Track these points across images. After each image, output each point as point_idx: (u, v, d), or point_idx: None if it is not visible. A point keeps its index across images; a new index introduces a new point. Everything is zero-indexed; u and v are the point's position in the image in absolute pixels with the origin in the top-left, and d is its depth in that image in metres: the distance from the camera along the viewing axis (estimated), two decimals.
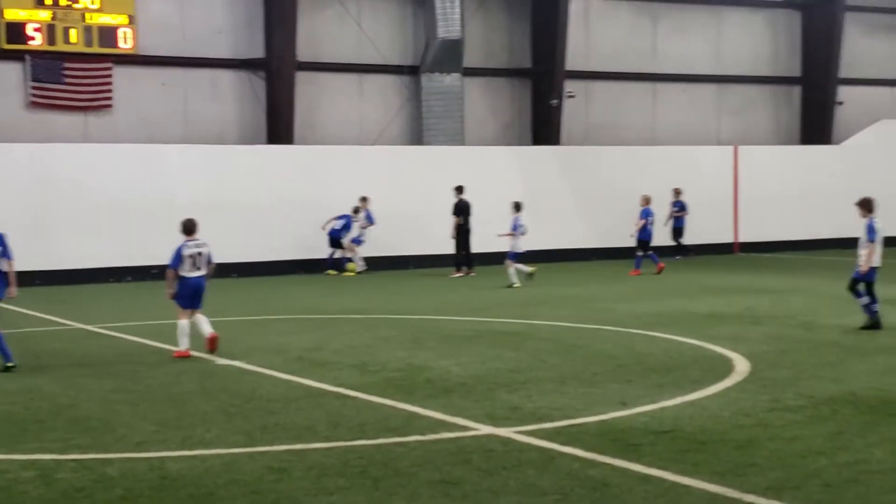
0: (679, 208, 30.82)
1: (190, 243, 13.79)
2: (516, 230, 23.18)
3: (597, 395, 10.65)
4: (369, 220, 27.40)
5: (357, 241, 27.37)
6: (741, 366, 12.20)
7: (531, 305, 19.00)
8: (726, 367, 12.13)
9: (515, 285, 22.38)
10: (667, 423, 9.31)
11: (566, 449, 8.49)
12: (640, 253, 25.82)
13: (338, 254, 27.19)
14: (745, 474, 7.71)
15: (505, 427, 9.31)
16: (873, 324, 14.93)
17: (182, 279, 13.74)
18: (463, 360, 13.04)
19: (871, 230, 14.90)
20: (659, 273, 25.03)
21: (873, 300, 15.04)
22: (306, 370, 12.49)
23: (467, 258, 26.19)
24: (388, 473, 7.91)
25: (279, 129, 29.00)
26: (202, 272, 13.86)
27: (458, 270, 25.96)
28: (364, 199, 27.34)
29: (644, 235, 25.94)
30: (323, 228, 27.10)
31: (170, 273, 13.85)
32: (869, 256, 14.89)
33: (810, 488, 7.38)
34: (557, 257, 30.10)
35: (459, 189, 26.17)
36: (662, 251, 30.05)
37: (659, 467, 7.90)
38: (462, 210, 26.08)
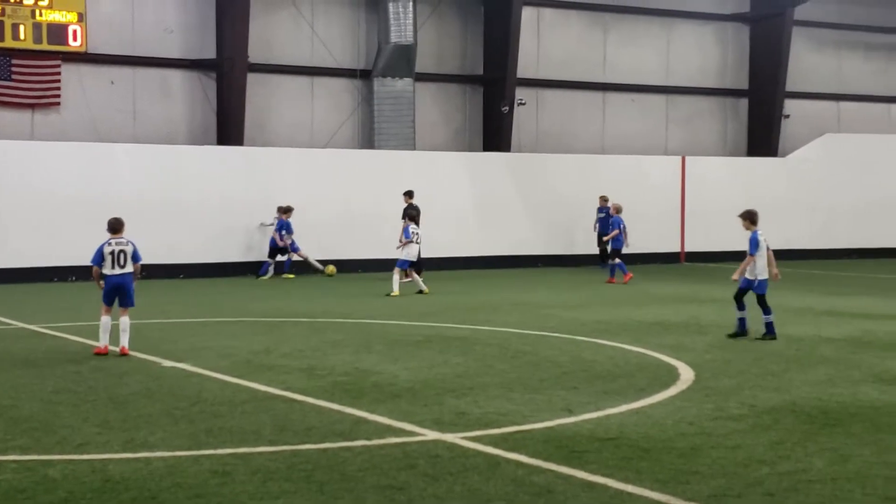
0: (606, 215, 30.86)
1: (112, 241, 13.92)
2: (408, 237, 22.67)
3: (543, 402, 10.71)
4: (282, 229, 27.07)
5: (295, 249, 27.24)
6: (686, 374, 12.32)
7: (479, 311, 19.06)
8: (671, 376, 12.25)
9: (394, 293, 21.95)
10: (612, 431, 9.38)
11: (511, 455, 8.53)
12: (615, 261, 25.89)
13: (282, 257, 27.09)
14: (687, 482, 7.80)
15: (451, 433, 9.34)
16: (743, 333, 15.19)
17: (105, 277, 13.85)
18: (411, 364, 13.05)
19: (753, 243, 15.13)
20: (626, 283, 25.13)
21: (741, 308, 15.28)
22: (253, 373, 12.44)
23: (416, 263, 26.17)
24: (334, 478, 7.90)
25: (229, 130, 28.86)
26: (126, 270, 13.90)
27: (408, 275, 25.94)
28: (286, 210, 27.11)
29: (617, 244, 26.05)
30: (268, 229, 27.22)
31: (95, 270, 13.98)
32: (744, 268, 15.14)
33: (751, 497, 7.48)
34: (506, 263, 30.25)
35: (409, 194, 26.14)
36: (592, 260, 30.37)
37: (603, 474, 7.96)
38: (413, 215, 26.03)
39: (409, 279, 25.12)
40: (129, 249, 13.95)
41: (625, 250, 26.10)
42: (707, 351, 14.18)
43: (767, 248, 15.37)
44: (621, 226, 26.04)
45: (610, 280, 25.69)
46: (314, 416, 10.09)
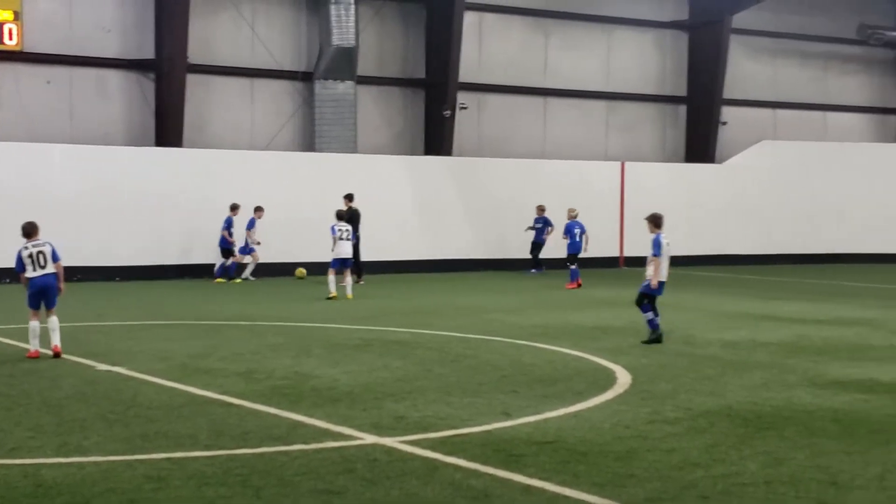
0: (543, 224, 31.01)
1: (29, 244, 13.84)
2: (333, 234, 22.39)
3: (482, 406, 10.73)
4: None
5: (245, 251, 27.14)
6: (623, 378, 12.41)
7: (420, 315, 19.05)
8: (609, 380, 12.33)
9: (332, 294, 21.84)
10: (549, 434, 9.42)
11: (450, 459, 8.53)
12: (573, 266, 25.94)
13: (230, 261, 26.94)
14: (624, 485, 7.85)
15: (390, 437, 9.32)
16: (655, 338, 15.28)
17: (28, 280, 13.80)
18: (350, 368, 13.01)
19: (656, 245, 15.30)
20: (572, 288, 25.19)
21: (656, 314, 15.39)
22: (190, 377, 12.32)
23: (356, 266, 26.13)
24: (271, 482, 7.85)
25: (168, 131, 28.58)
26: (48, 270, 13.81)
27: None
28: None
29: (573, 249, 26.09)
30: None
31: (22, 277, 13.92)
32: (656, 271, 15.23)
33: (686, 500, 7.54)
34: (447, 267, 30.28)
35: (349, 197, 26.10)
36: (524, 265, 30.52)
37: (540, 478, 7.99)
38: (351, 219, 26.00)
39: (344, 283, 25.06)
40: (46, 250, 13.87)
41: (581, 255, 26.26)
42: (644, 355, 14.29)
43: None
44: (574, 230, 26.13)
45: (571, 285, 25.64)
46: (252, 420, 10.02)
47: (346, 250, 22.45)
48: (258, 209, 27.00)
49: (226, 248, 26.77)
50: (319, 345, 15.08)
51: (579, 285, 25.56)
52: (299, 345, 15.06)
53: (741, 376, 12.65)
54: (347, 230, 22.54)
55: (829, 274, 30.96)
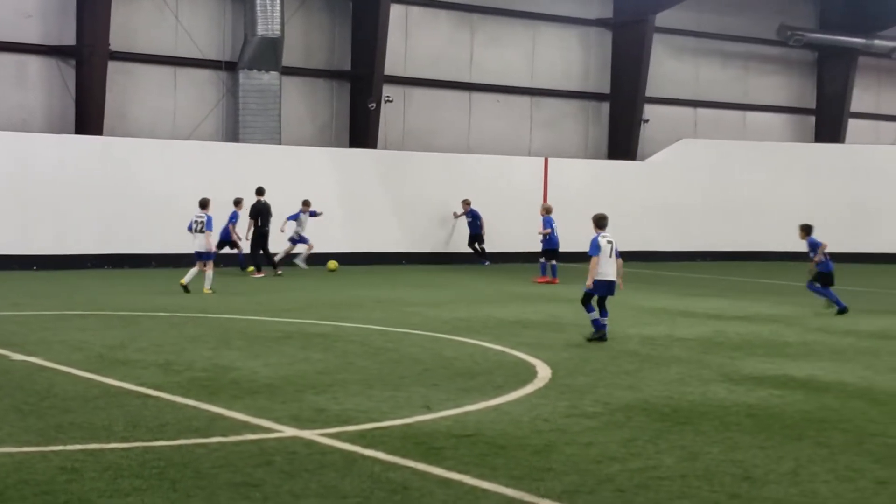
0: (473, 217, 31.21)
1: None
2: (190, 228, 21.60)
3: (402, 399, 10.74)
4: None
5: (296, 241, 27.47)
6: (543, 372, 12.51)
7: (342, 308, 19.01)
8: (529, 373, 12.41)
9: (182, 283, 20.97)
10: (469, 428, 9.47)
11: (369, 452, 8.53)
12: (551, 262, 25.86)
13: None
14: (541, 479, 7.91)
15: (309, 429, 9.29)
16: (598, 337, 15.25)
17: None
18: (271, 360, 12.94)
19: (591, 245, 15.39)
20: (540, 283, 25.23)
21: (603, 313, 15.41)
22: (107, 368, 12.16)
23: (267, 259, 26.06)
24: (187, 475, 7.78)
25: (88, 119, 28.14)
26: None
27: (259, 271, 25.79)
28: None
29: (550, 244, 26.07)
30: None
31: None
32: (591, 271, 15.25)
33: (603, 493, 7.63)
34: (371, 260, 30.24)
35: (260, 191, 26.07)
36: (458, 258, 30.69)
37: (459, 471, 8.02)
38: (260, 212, 25.96)
39: (261, 275, 24.95)
40: None
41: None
42: (564, 349, 14.42)
43: (613, 253, 15.51)
44: (553, 225, 26.14)
45: (543, 279, 25.59)
46: (169, 412, 9.92)
47: (200, 243, 21.30)
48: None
49: (225, 239, 25.82)
50: (240, 337, 14.97)
51: (553, 282, 25.44)
52: (219, 336, 14.94)
53: (659, 371, 12.83)
54: (201, 222, 21.26)
55: (746, 271, 31.49)
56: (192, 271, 21.24)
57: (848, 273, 31.82)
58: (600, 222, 15.62)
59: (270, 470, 7.96)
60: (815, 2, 41.87)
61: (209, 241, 21.56)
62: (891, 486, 7.98)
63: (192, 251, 21.56)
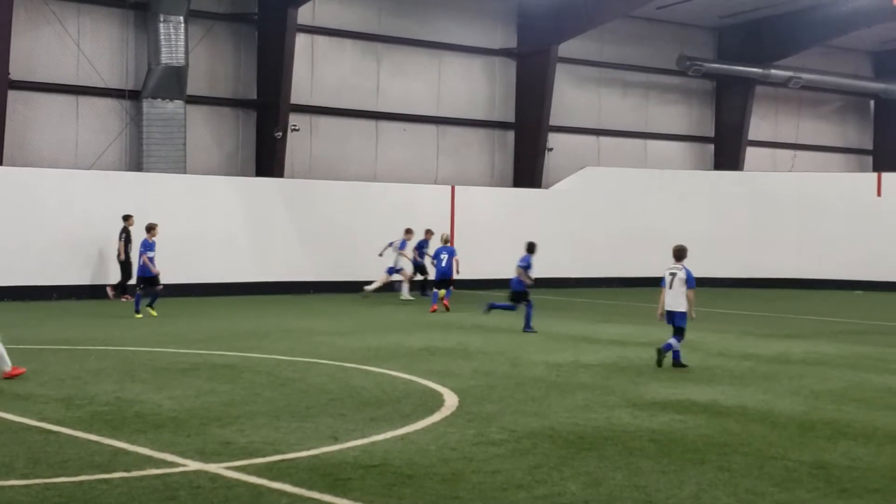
0: (449, 255, 31.20)
1: None
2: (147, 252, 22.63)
3: (309, 430, 10.71)
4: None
5: (391, 271, 28.50)
6: (450, 400, 12.57)
7: (249, 338, 18.87)
8: (437, 402, 12.47)
9: (139, 315, 22.34)
10: (376, 458, 9.48)
11: (275, 484, 8.49)
12: (438, 290, 25.92)
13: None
14: None
15: (215, 462, 9.22)
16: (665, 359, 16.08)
17: None
18: (176, 393, 12.80)
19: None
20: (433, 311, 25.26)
21: (673, 339, 16.18)
22: (6, 403, 11.90)
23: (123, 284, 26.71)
24: None
25: None
26: None
27: (122, 295, 26.27)
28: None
29: (440, 274, 26.25)
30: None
31: None
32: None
33: None
34: (278, 289, 30.07)
35: (125, 218, 26.78)
36: (356, 287, 30.66)
37: (366, 502, 8.03)
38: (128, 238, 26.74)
39: (124, 299, 24.97)
40: None
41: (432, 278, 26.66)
42: (472, 377, 14.51)
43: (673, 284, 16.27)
44: (441, 255, 26.44)
45: (433, 308, 25.55)
46: (71, 447, 9.75)
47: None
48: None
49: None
50: (144, 369, 14.78)
51: (447, 308, 25.54)
52: (123, 369, 14.73)
53: (565, 397, 12.97)
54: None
55: (649, 297, 31.91)
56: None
57: (747, 297, 32.54)
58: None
59: None
60: (714, 33, 42.93)
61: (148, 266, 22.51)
62: None
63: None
